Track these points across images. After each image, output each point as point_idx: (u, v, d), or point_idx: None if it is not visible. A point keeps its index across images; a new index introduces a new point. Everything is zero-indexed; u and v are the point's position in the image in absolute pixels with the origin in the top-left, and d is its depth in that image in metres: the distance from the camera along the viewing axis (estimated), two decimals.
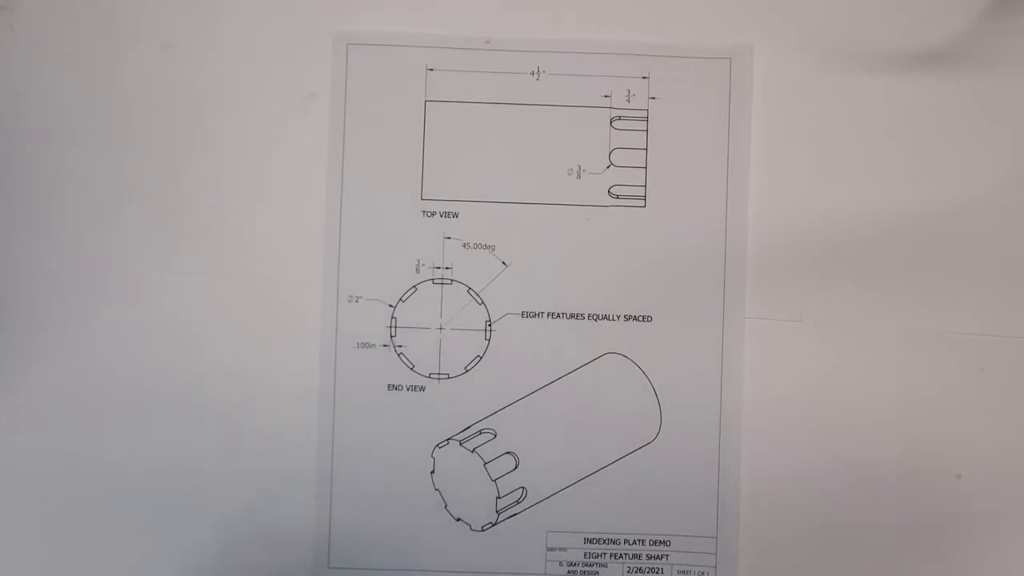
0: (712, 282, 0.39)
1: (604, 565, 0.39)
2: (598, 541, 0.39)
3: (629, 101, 0.40)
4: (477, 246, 0.39)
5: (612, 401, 0.39)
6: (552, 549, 0.39)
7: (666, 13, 0.40)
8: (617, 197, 0.40)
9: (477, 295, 0.39)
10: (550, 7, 0.40)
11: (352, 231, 0.39)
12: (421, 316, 0.39)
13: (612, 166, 0.40)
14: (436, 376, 0.39)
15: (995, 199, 0.40)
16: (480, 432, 0.39)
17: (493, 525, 0.39)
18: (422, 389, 0.39)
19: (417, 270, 0.39)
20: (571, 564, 0.39)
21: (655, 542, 0.39)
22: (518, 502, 0.39)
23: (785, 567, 0.39)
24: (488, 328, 0.39)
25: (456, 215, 0.40)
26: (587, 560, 0.39)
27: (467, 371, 0.39)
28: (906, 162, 0.40)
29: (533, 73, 0.40)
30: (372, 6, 0.40)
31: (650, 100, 0.40)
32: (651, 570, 0.39)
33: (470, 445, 0.39)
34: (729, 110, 0.40)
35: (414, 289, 0.39)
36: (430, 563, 0.39)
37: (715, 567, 0.39)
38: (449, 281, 0.39)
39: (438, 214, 0.40)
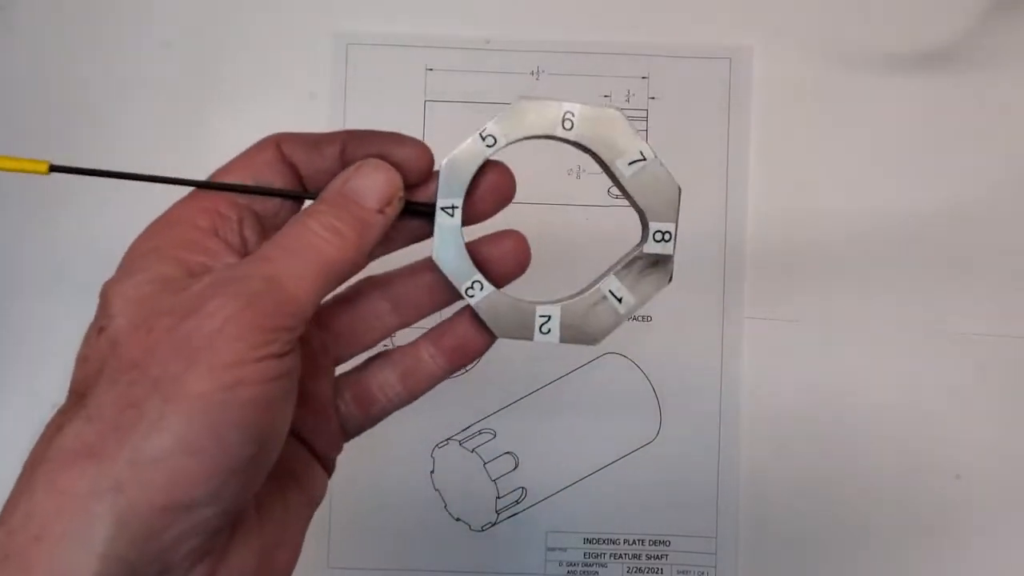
0: (711, 282, 0.39)
1: (604, 565, 0.39)
2: (598, 541, 0.39)
3: (629, 101, 0.40)
4: None
5: (612, 401, 0.39)
6: (552, 549, 0.39)
7: (666, 13, 0.40)
8: (617, 197, 0.40)
9: None
10: (550, 7, 0.40)
11: None
12: None
13: None
14: None
15: (995, 199, 0.40)
16: (480, 432, 0.39)
17: (493, 525, 0.39)
18: None
19: None
20: (571, 564, 0.39)
21: (655, 542, 0.39)
22: (518, 502, 0.39)
23: (785, 567, 0.39)
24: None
25: None
26: (587, 560, 0.39)
27: (467, 371, 0.39)
28: (906, 162, 0.40)
29: (533, 73, 0.40)
30: (372, 6, 0.40)
31: (650, 100, 0.40)
32: (651, 570, 0.39)
33: (470, 445, 0.39)
34: (729, 110, 0.40)
35: None
36: (430, 563, 0.39)
37: (715, 567, 0.39)
38: None
39: None
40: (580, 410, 0.39)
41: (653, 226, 0.25)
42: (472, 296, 0.24)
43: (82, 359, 0.21)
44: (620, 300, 0.25)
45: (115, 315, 0.20)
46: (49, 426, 0.20)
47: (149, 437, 0.18)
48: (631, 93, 0.40)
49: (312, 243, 0.21)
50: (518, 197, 0.40)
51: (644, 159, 0.25)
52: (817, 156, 0.40)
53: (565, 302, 0.25)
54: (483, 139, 0.24)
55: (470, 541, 0.39)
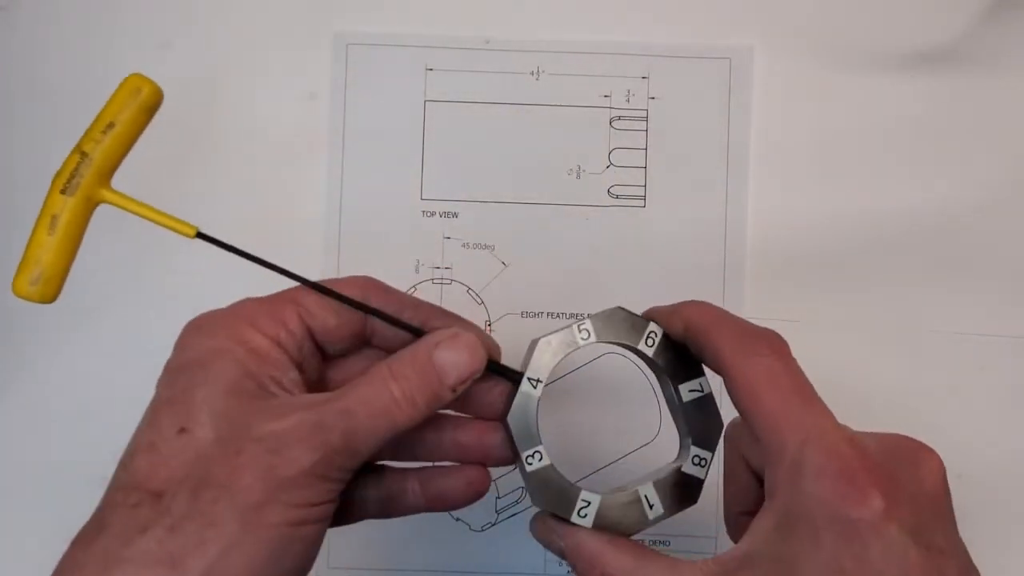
0: (711, 282, 0.39)
1: None
2: None
3: (629, 101, 0.40)
4: (477, 246, 0.39)
5: (612, 401, 0.39)
6: None
7: (666, 13, 0.40)
8: (617, 197, 0.40)
9: (477, 295, 0.39)
10: (550, 7, 0.40)
11: (352, 231, 0.39)
12: None
13: (612, 166, 0.40)
14: None
15: (995, 199, 0.40)
16: None
17: (493, 525, 0.39)
18: None
19: (417, 270, 0.39)
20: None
21: (655, 542, 0.39)
22: (518, 502, 0.39)
23: None
24: (488, 328, 0.39)
25: (456, 215, 0.40)
26: None
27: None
28: (906, 162, 0.40)
29: (533, 73, 0.40)
30: (372, 6, 0.40)
31: (650, 100, 0.40)
32: None
33: None
34: (729, 110, 0.40)
35: (414, 289, 0.39)
36: (430, 563, 0.39)
37: None
38: (448, 281, 0.39)
39: (438, 214, 0.40)
40: (580, 410, 0.39)
41: (693, 450, 0.27)
42: (531, 465, 0.26)
43: (150, 446, 0.23)
44: (652, 507, 0.26)
45: (203, 423, 0.22)
46: (104, 509, 0.22)
47: (225, 557, 0.21)
48: (631, 93, 0.40)
49: (388, 408, 0.24)
50: (518, 197, 0.40)
51: (703, 392, 0.27)
52: (817, 156, 0.40)
53: (606, 494, 0.26)
54: (579, 331, 0.26)
55: (470, 541, 0.39)
